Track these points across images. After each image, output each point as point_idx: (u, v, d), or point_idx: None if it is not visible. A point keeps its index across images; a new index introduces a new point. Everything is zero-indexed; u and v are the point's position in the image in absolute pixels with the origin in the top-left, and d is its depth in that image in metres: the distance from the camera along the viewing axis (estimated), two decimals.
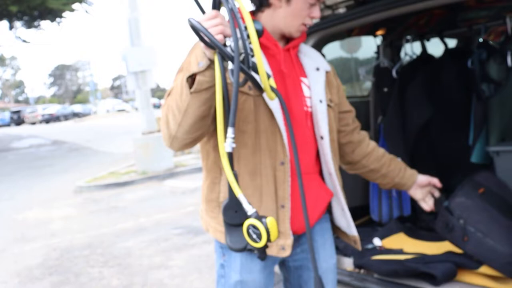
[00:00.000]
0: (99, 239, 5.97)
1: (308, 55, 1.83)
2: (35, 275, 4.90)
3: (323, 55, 3.37)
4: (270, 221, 1.28)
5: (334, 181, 1.76)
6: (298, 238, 1.73)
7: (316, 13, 1.68)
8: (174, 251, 5.18)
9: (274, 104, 1.60)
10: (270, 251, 1.62)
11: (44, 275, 4.88)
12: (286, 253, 1.63)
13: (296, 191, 1.63)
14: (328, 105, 1.78)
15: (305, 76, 1.76)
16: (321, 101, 1.73)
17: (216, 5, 1.33)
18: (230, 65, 1.30)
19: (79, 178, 10.40)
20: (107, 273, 4.74)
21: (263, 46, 1.65)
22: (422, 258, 2.50)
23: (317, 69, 1.79)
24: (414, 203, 3.34)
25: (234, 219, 1.36)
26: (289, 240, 1.62)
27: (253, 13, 1.74)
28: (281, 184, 1.61)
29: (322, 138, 1.71)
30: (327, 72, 1.83)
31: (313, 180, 1.72)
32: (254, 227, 1.28)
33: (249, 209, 1.30)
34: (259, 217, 1.29)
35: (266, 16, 1.69)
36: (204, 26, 1.27)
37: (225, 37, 1.30)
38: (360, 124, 2.02)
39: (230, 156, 1.34)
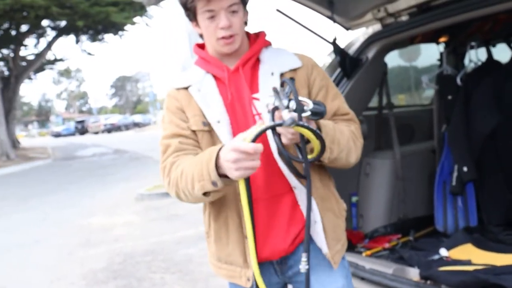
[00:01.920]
0: (161, 245, 6.11)
1: (268, 60, 1.71)
2: (100, 279, 5.07)
3: (385, 64, 3.36)
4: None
5: (302, 196, 1.62)
6: (283, 261, 1.70)
7: (222, 22, 1.58)
8: None
9: (224, 136, 1.62)
10: (240, 282, 1.68)
11: (108, 278, 5.05)
12: (249, 284, 1.65)
13: (263, 216, 1.63)
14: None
15: (257, 90, 1.67)
16: (269, 112, 1.54)
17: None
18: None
19: (140, 186, 10.67)
20: (169, 279, 4.85)
21: (215, 78, 1.69)
22: (492, 269, 2.42)
23: (272, 74, 1.68)
24: (480, 213, 3.25)
25: None
26: (250, 272, 1.63)
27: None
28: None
29: (277, 152, 1.60)
30: (283, 74, 1.68)
31: (284, 201, 1.65)
32: None
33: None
34: None
35: (207, 45, 1.72)
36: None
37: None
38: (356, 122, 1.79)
39: None
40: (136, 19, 24.65)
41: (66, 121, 68.77)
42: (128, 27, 25.91)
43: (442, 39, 3.61)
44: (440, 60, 3.60)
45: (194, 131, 1.67)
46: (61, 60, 31.27)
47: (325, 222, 1.67)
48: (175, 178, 1.61)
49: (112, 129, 48.14)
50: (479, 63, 3.41)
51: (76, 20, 21.68)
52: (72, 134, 51.63)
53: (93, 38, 27.68)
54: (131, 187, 10.87)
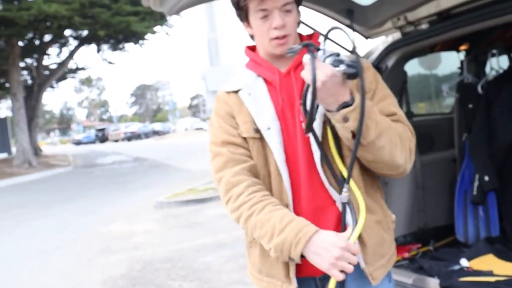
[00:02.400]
0: (180, 253, 6.13)
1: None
2: (120, 285, 5.10)
3: (405, 73, 3.34)
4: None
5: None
6: (326, 277, 1.52)
7: (275, 22, 1.52)
8: None
9: (274, 144, 1.56)
10: None
11: (127, 285, 5.08)
12: None
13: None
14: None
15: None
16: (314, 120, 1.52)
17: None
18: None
19: (160, 194, 10.74)
20: (187, 287, 4.87)
21: (266, 81, 1.63)
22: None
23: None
24: (502, 223, 3.20)
25: None
26: (292, 287, 1.57)
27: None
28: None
29: (320, 161, 1.53)
30: None
31: (328, 214, 1.55)
32: None
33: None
34: None
35: (259, 47, 1.67)
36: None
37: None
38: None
39: None
40: (157, 28, 24.91)
41: (87, 129, 69.64)
42: (148, 36, 26.21)
43: (463, 47, 3.58)
44: (461, 68, 3.57)
45: (244, 138, 1.62)
46: (82, 69, 31.73)
47: (366, 236, 1.55)
48: (242, 217, 1.57)
49: (132, 137, 48.55)
50: (501, 71, 3.37)
51: (98, 30, 21.99)
52: (93, 142, 52.22)
53: (114, 47, 28.06)
54: (151, 195, 10.94)
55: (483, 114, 3.16)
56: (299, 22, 1.64)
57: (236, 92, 1.66)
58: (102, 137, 51.80)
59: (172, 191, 10.90)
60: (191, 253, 6.09)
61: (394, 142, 1.50)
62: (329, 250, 1.39)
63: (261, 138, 1.59)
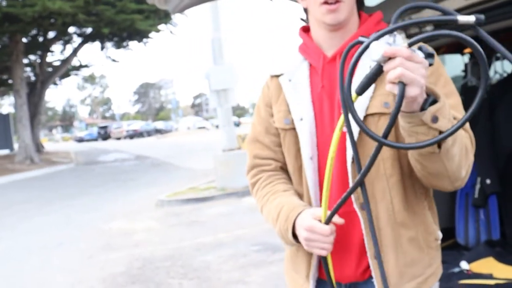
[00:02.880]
0: (179, 251, 6.13)
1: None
2: (119, 283, 5.11)
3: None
4: None
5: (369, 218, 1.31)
6: (352, 287, 1.46)
7: None
8: (252, 267, 5.22)
9: (304, 137, 1.44)
10: None
11: (127, 283, 5.09)
12: None
13: (336, 232, 1.38)
14: (374, 114, 1.35)
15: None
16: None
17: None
18: None
19: (161, 192, 10.75)
20: (187, 285, 4.86)
21: (311, 67, 1.49)
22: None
23: (370, 67, 1.26)
24: (503, 227, 3.19)
25: None
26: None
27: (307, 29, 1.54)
28: None
29: (352, 161, 1.36)
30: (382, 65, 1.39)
31: (358, 219, 1.38)
32: None
33: None
34: None
35: (311, 25, 1.50)
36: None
37: None
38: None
39: None
40: (161, 26, 24.93)
41: (89, 127, 69.82)
42: (152, 34, 26.24)
43: (467, 50, 3.58)
44: (465, 71, 3.57)
45: (277, 133, 1.54)
46: (86, 66, 31.75)
47: (392, 254, 1.38)
48: (260, 206, 1.58)
49: (134, 135, 48.59)
50: (505, 75, 3.37)
51: (102, 27, 22.03)
52: (95, 139, 52.28)
53: (118, 45, 28.10)
54: (152, 193, 10.96)
55: (486, 117, 3.16)
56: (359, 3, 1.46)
57: (278, 76, 1.54)
58: (104, 135, 51.86)
59: (173, 189, 10.91)
60: (191, 251, 6.09)
61: (463, 152, 1.28)
62: (300, 235, 1.37)
63: (294, 129, 1.46)
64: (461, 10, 2.75)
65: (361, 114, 1.33)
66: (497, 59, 3.37)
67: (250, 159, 1.62)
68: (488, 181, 3.07)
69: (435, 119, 1.13)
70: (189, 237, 6.85)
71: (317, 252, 1.36)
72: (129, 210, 9.45)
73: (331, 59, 1.44)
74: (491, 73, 3.48)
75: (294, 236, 1.42)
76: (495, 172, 3.04)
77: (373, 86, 1.26)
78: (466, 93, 3.49)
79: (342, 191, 1.29)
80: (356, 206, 1.38)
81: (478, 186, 3.19)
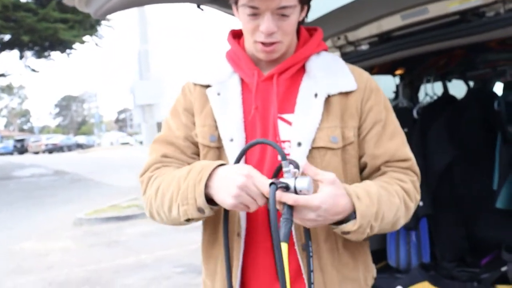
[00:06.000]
0: (98, 274, 5.76)
1: (316, 73, 1.32)
2: None
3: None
4: None
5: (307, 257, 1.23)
6: None
7: (264, 26, 1.22)
8: None
9: (233, 160, 1.28)
10: None
11: None
12: None
13: (253, 266, 1.30)
14: (320, 148, 1.27)
15: (291, 110, 1.30)
16: (299, 144, 1.25)
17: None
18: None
19: (80, 210, 10.21)
20: None
21: (242, 82, 1.37)
22: None
23: (315, 95, 1.29)
24: (433, 249, 3.17)
25: None
26: None
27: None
28: (236, 258, 1.31)
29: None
30: (330, 97, 1.29)
31: (291, 255, 1.23)
32: None
33: None
34: None
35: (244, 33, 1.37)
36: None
37: None
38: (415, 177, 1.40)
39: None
40: (86, 38, 24.12)
41: (4, 139, 66.10)
42: (76, 45, 25.30)
43: (399, 71, 3.58)
44: (396, 92, 3.57)
45: (197, 144, 1.37)
46: (2, 75, 30.11)
47: None
48: (149, 196, 1.35)
49: (54, 149, 46.56)
50: (435, 97, 3.39)
51: (21, 35, 20.95)
52: (10, 153, 49.51)
53: (39, 55, 26.81)
54: (70, 211, 10.38)
55: (418, 139, 3.14)
56: (301, 21, 1.35)
57: (205, 86, 1.39)
58: (21, 148, 49.23)
59: (93, 207, 10.40)
60: (110, 274, 5.74)
61: (398, 219, 1.28)
62: (233, 179, 1.14)
63: (219, 148, 1.33)
64: (396, 31, 2.72)
65: (306, 148, 1.26)
66: (428, 81, 3.38)
67: (155, 157, 1.39)
68: (421, 203, 3.04)
69: (346, 233, 1.19)
70: (108, 258, 6.47)
71: (240, 207, 1.16)
72: (44, 229, 8.85)
73: (267, 78, 1.33)
74: (422, 94, 3.49)
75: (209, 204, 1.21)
76: (428, 194, 3.01)
77: (319, 116, 1.27)
78: (398, 114, 3.46)
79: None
80: (297, 247, 1.26)
81: None
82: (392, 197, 1.24)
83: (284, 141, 1.28)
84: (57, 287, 5.35)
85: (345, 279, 1.31)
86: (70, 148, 48.64)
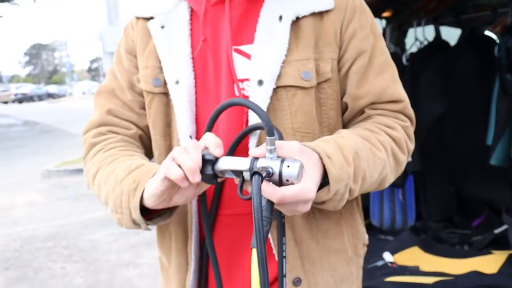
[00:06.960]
0: (65, 229, 5.50)
1: None
2: None
3: None
4: None
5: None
6: None
7: None
8: (144, 247, 4.74)
9: (180, 108, 1.02)
10: None
11: None
12: None
13: (225, 241, 1.05)
14: (288, 87, 0.98)
15: (250, 40, 1.00)
16: (260, 83, 0.96)
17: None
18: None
19: (49, 161, 9.85)
20: (70, 269, 4.29)
21: (191, 11, 1.08)
22: (450, 283, 2.09)
23: (280, 17, 0.99)
24: (419, 208, 2.97)
25: None
26: None
27: None
28: (190, 232, 1.08)
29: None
30: (299, 19, 1.00)
31: (245, 225, 1.02)
32: None
33: None
34: None
35: None
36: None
37: None
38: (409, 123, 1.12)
39: None
40: None
41: None
42: None
43: (386, 14, 3.28)
44: (383, 35, 3.28)
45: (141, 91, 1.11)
46: None
47: (319, 279, 1.04)
48: (87, 172, 1.13)
49: (24, 99, 45.45)
50: (425, 43, 3.12)
51: None
52: None
53: None
54: (39, 163, 10.00)
55: (407, 87, 2.86)
56: None
57: (148, 19, 1.11)
58: None
59: (63, 158, 10.04)
60: (78, 229, 5.47)
61: (386, 176, 1.01)
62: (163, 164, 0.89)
63: (166, 94, 1.06)
64: None
65: (269, 87, 0.96)
66: (418, 25, 3.10)
67: (99, 113, 1.14)
68: (410, 159, 2.82)
69: (320, 204, 0.91)
70: (76, 213, 6.19)
71: (170, 192, 0.91)
72: (10, 182, 8.49)
73: (217, 1, 1.03)
74: (411, 40, 3.21)
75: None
76: (417, 149, 2.78)
77: (285, 45, 0.97)
78: None
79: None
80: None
81: None
82: (376, 150, 0.97)
83: (242, 80, 1.00)
84: (21, 244, 5.08)
85: (328, 251, 1.05)
86: (40, 98, 47.52)
